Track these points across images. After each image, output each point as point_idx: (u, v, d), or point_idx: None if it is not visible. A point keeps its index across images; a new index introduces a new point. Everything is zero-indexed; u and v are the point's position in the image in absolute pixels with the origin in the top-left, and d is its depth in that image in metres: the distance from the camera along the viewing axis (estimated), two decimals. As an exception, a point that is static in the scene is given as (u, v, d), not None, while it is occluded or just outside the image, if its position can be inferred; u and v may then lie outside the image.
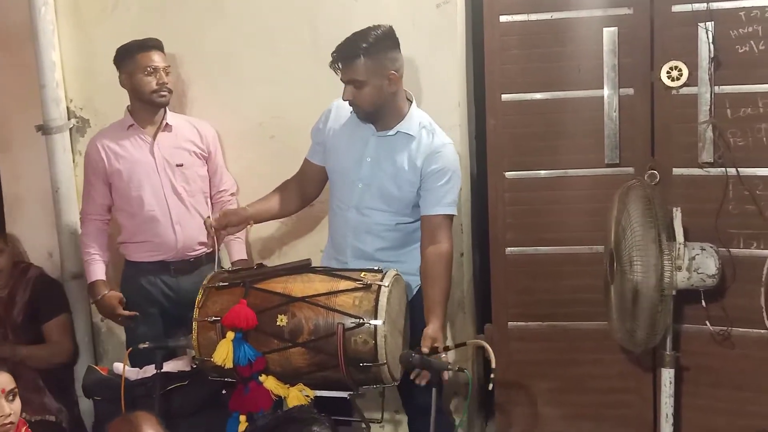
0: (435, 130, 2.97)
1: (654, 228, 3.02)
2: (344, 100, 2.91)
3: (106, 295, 3.47)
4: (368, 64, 2.79)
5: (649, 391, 3.46)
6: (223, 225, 2.94)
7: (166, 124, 3.45)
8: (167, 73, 3.38)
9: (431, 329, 2.72)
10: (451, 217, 2.93)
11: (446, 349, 2.68)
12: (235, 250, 3.50)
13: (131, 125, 3.44)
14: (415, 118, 2.95)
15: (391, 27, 2.88)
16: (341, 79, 2.88)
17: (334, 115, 3.06)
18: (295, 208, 3.19)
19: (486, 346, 2.60)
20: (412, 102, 2.98)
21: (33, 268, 3.71)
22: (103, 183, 3.46)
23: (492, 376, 2.53)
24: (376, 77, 2.81)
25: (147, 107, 3.41)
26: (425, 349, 2.65)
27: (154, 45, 3.39)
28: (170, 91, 3.41)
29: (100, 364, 3.83)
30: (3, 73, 3.89)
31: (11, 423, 2.62)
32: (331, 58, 2.86)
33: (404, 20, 3.46)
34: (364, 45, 2.79)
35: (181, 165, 3.43)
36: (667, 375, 3.26)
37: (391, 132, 2.93)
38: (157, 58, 3.36)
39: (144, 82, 3.36)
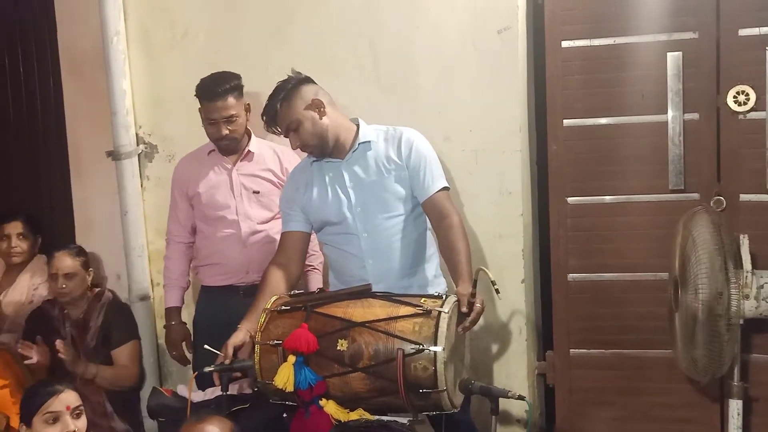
0: (394, 127, 3.07)
1: (720, 255, 2.96)
2: (294, 149, 3.06)
3: (173, 326, 3.59)
4: (291, 104, 2.95)
5: (716, 422, 3.38)
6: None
7: (248, 151, 3.50)
8: (231, 123, 3.37)
9: (462, 287, 2.76)
10: (446, 189, 3.01)
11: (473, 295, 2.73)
12: (313, 280, 3.53)
13: (212, 151, 3.52)
14: (369, 129, 3.06)
15: (298, 72, 3.04)
16: (284, 136, 3.01)
17: (298, 178, 3.13)
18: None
19: (485, 270, 2.74)
20: (358, 124, 3.06)
21: (106, 292, 3.80)
22: (186, 204, 3.55)
23: (495, 287, 2.76)
24: (303, 111, 2.95)
25: None
26: (464, 309, 2.69)
27: (219, 93, 3.33)
28: (234, 139, 3.42)
29: (165, 384, 3.91)
30: (76, 100, 4.04)
31: None
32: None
33: (465, 46, 3.49)
34: (281, 96, 2.96)
35: (258, 192, 3.49)
36: (735, 406, 3.18)
37: (354, 149, 3.01)
38: (220, 110, 3.34)
39: (207, 130, 3.43)
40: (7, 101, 4.49)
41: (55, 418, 2.67)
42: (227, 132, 3.38)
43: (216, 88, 3.35)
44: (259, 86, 3.65)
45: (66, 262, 3.69)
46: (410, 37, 3.55)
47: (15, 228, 4.03)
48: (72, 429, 2.66)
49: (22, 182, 4.46)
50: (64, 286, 3.67)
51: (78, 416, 2.71)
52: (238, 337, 2.81)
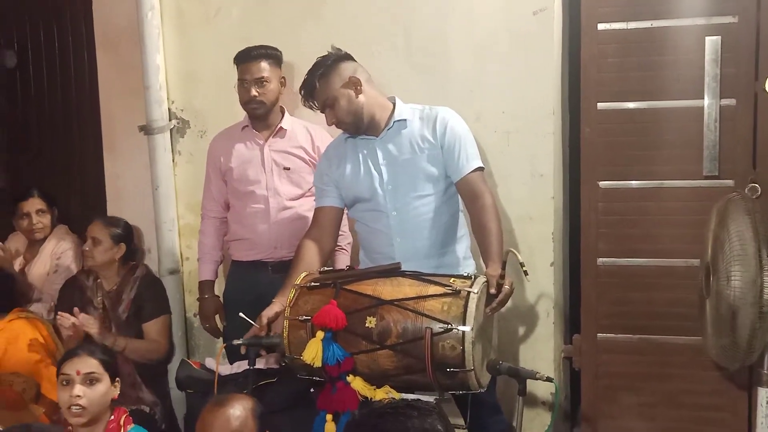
0: (430, 107, 3.07)
1: (754, 243, 2.93)
2: (329, 125, 3.06)
3: (207, 299, 3.65)
4: (329, 81, 2.96)
5: (744, 410, 3.35)
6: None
7: (280, 128, 3.53)
8: (261, 86, 3.43)
9: (491, 269, 2.76)
10: (481, 169, 3.00)
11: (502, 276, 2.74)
12: (341, 261, 3.54)
13: (245, 126, 3.56)
14: (405, 107, 3.06)
15: (338, 49, 3.04)
16: (320, 111, 3.03)
17: (332, 154, 3.14)
18: (319, 267, 3.05)
19: (515, 252, 2.74)
20: (395, 103, 3.06)
21: (140, 266, 3.84)
22: (220, 180, 3.60)
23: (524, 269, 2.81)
24: (340, 88, 2.96)
25: None
26: (493, 290, 2.69)
27: (253, 56, 3.44)
28: (263, 104, 3.46)
29: (192, 357, 3.95)
30: (109, 74, 4.06)
31: (80, 407, 2.68)
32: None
33: (500, 27, 3.47)
34: (320, 72, 2.97)
35: (289, 169, 3.51)
36: (764, 394, 3.15)
37: (388, 126, 3.02)
38: (252, 71, 3.42)
39: (239, 92, 3.49)
40: (41, 75, 4.54)
41: (68, 381, 2.70)
42: (255, 94, 3.43)
43: (252, 51, 3.45)
44: (291, 63, 3.68)
45: (96, 227, 3.73)
46: (444, 17, 3.53)
47: (33, 205, 4.08)
48: (75, 394, 2.67)
49: (56, 156, 4.51)
50: (87, 248, 3.73)
51: (90, 384, 2.72)
52: (273, 309, 2.84)
